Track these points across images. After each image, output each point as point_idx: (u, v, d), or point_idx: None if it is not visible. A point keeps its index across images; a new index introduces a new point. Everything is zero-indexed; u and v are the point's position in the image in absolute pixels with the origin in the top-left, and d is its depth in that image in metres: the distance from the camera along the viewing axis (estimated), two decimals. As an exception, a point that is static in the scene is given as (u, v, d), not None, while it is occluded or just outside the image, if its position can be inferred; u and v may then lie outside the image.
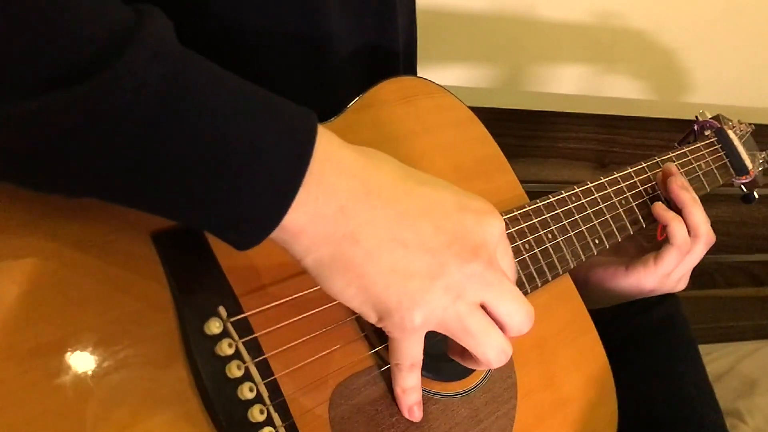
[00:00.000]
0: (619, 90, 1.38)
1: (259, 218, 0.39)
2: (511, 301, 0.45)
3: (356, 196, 0.41)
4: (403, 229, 0.42)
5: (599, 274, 0.76)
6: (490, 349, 0.46)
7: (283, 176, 0.38)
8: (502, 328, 0.46)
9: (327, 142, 0.41)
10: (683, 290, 0.76)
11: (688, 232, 0.72)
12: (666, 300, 0.77)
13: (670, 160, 0.80)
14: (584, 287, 0.74)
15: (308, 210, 0.39)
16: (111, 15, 0.35)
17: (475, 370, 0.57)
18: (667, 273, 0.73)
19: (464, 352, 0.48)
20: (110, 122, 0.34)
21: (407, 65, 0.75)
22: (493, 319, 0.46)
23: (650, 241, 0.79)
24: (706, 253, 0.75)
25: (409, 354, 0.48)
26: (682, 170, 0.80)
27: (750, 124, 0.91)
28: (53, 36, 0.33)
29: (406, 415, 0.51)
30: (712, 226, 0.75)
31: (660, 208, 0.74)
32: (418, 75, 0.67)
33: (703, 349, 0.78)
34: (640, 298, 0.76)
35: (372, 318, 0.44)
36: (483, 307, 0.45)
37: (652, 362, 0.75)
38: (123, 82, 0.34)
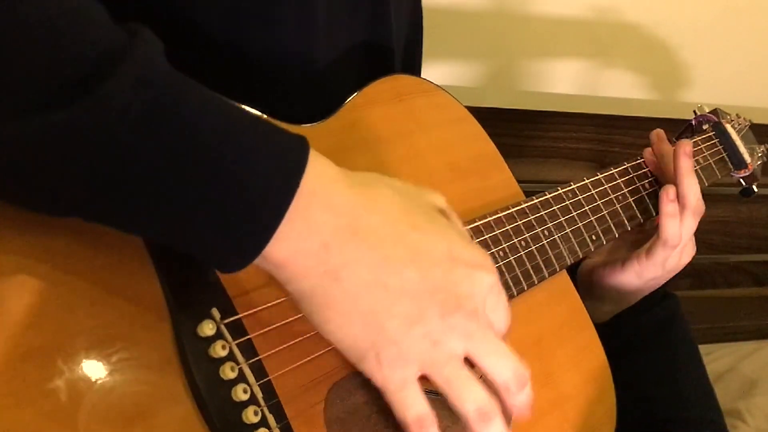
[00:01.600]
0: (619, 90, 1.38)
1: (240, 248, 0.38)
2: (495, 353, 0.44)
3: (342, 235, 0.40)
4: (387, 274, 0.41)
5: (598, 275, 0.76)
6: (468, 403, 0.43)
7: (266, 208, 0.38)
8: (490, 382, 0.44)
9: (318, 174, 0.40)
10: (683, 290, 0.76)
11: (677, 199, 0.72)
12: (666, 300, 0.77)
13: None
14: (589, 295, 0.74)
15: (291, 244, 0.39)
16: (100, 37, 0.35)
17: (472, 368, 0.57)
18: (661, 262, 0.73)
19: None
20: (93, 147, 0.34)
21: (410, 65, 0.75)
22: (481, 372, 0.44)
23: (641, 235, 0.79)
24: (706, 254, 0.75)
25: (407, 406, 0.43)
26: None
27: (748, 119, 0.91)
28: (41, 59, 0.33)
29: None
30: (712, 226, 0.74)
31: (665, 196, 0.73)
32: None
33: (703, 349, 0.78)
34: (647, 292, 0.75)
35: (351, 357, 0.43)
36: (468, 359, 0.44)
37: (652, 362, 0.75)
38: (107, 107, 0.34)
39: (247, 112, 0.40)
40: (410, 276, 0.42)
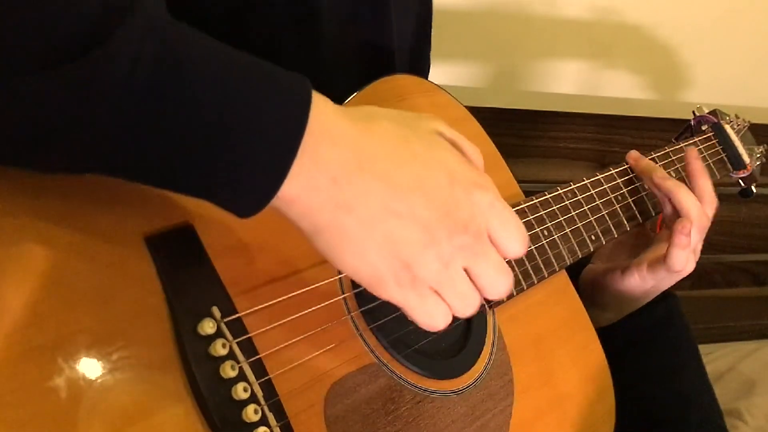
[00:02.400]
0: (619, 90, 1.38)
1: (255, 189, 0.39)
2: (492, 270, 0.47)
3: (348, 168, 0.41)
4: (396, 201, 0.43)
5: (599, 283, 0.76)
6: (466, 307, 0.46)
7: (278, 149, 0.39)
8: (481, 291, 0.47)
9: (321, 111, 0.41)
10: (683, 290, 0.76)
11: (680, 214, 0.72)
12: (666, 300, 0.77)
13: (666, 155, 0.80)
14: (591, 303, 0.74)
15: (301, 181, 0.40)
16: None
17: (471, 368, 0.57)
18: (662, 278, 0.73)
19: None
20: (107, 98, 0.34)
21: (419, 62, 0.75)
22: (474, 283, 0.47)
23: (636, 237, 0.79)
24: (706, 254, 0.75)
25: (433, 315, 0.46)
26: (678, 164, 0.80)
27: (747, 119, 0.91)
28: (48, 13, 0.33)
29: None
30: (712, 226, 0.74)
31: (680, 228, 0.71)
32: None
33: (703, 349, 0.78)
34: (649, 299, 0.75)
35: (369, 284, 0.44)
36: (466, 271, 0.46)
37: (652, 362, 0.75)
38: (118, 58, 0.34)
39: (249, 56, 0.40)
40: (417, 201, 0.43)
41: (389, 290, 0.44)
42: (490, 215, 0.46)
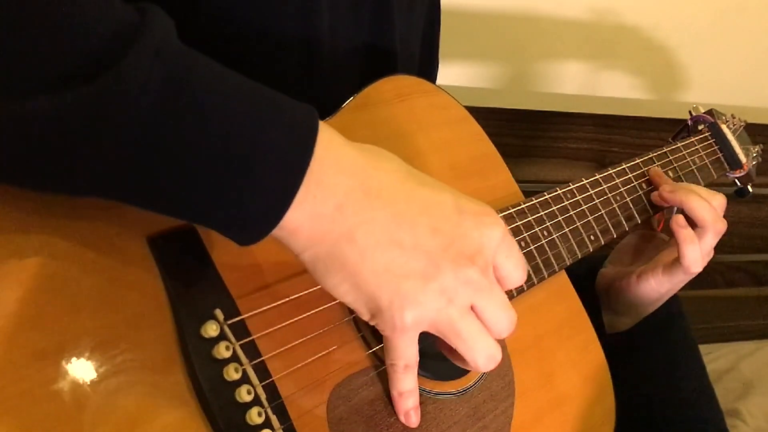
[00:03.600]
0: (619, 90, 1.38)
1: (259, 217, 0.39)
2: (499, 308, 0.46)
3: (354, 196, 0.41)
4: (400, 230, 0.42)
5: (615, 289, 0.76)
6: (479, 354, 0.46)
7: (283, 176, 0.39)
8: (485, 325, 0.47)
9: (328, 139, 0.41)
10: (683, 290, 0.76)
11: (694, 224, 0.71)
12: (666, 300, 0.77)
13: (664, 155, 0.80)
14: (608, 308, 0.75)
15: (306, 208, 0.40)
16: (115, 15, 0.35)
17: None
18: (679, 281, 0.72)
19: (453, 351, 0.48)
20: (114, 122, 0.34)
21: (428, 60, 0.75)
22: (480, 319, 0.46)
23: (649, 240, 0.79)
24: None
25: (404, 354, 0.47)
26: (676, 164, 0.80)
27: (743, 119, 0.91)
28: (59, 37, 0.33)
29: (403, 420, 0.51)
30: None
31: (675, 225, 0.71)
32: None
33: (703, 349, 0.78)
34: (663, 301, 0.75)
35: (365, 315, 0.45)
36: (472, 308, 0.46)
37: (653, 362, 0.75)
38: (127, 83, 0.34)
39: (256, 84, 0.40)
40: (422, 232, 0.43)
41: (383, 324, 0.44)
42: (499, 249, 0.46)
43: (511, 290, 0.60)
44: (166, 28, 0.37)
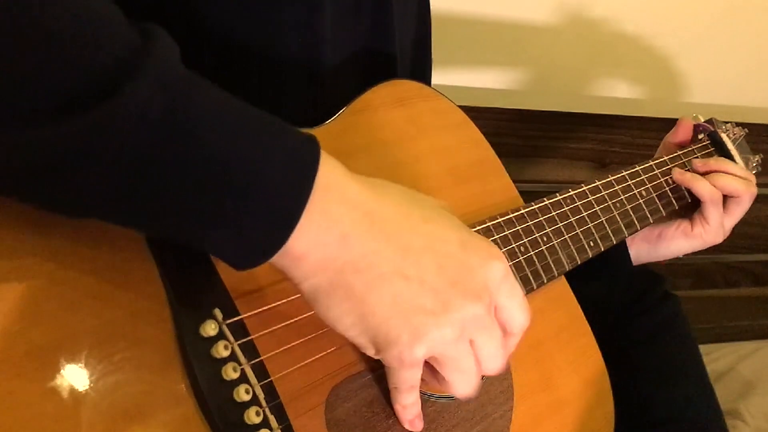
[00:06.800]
0: (619, 90, 1.38)
1: (261, 243, 0.39)
2: (497, 347, 0.46)
3: (360, 226, 0.41)
4: (406, 264, 0.42)
5: (671, 232, 0.81)
6: (466, 385, 0.47)
7: (285, 203, 0.38)
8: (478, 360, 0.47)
9: (330, 170, 0.41)
10: (683, 290, 0.76)
11: (725, 197, 0.79)
12: (666, 300, 0.78)
13: (663, 163, 0.81)
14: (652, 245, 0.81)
15: (310, 236, 0.39)
16: (116, 40, 0.35)
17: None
18: (720, 224, 0.80)
19: (435, 372, 0.48)
20: (112, 150, 0.34)
21: (421, 64, 0.75)
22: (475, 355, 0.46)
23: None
24: (706, 253, 0.75)
25: (409, 380, 0.48)
26: (671, 167, 0.81)
27: (743, 128, 0.91)
28: (59, 64, 0.33)
29: (408, 427, 0.51)
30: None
31: (678, 173, 0.80)
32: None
33: (703, 349, 0.79)
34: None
35: (369, 350, 0.44)
36: (470, 343, 0.46)
37: (653, 363, 0.75)
38: (126, 111, 0.34)
39: (259, 111, 0.40)
40: (427, 268, 0.43)
41: (392, 359, 0.44)
42: (503, 287, 0.46)
43: (503, 369, 0.61)
44: (169, 53, 0.37)
